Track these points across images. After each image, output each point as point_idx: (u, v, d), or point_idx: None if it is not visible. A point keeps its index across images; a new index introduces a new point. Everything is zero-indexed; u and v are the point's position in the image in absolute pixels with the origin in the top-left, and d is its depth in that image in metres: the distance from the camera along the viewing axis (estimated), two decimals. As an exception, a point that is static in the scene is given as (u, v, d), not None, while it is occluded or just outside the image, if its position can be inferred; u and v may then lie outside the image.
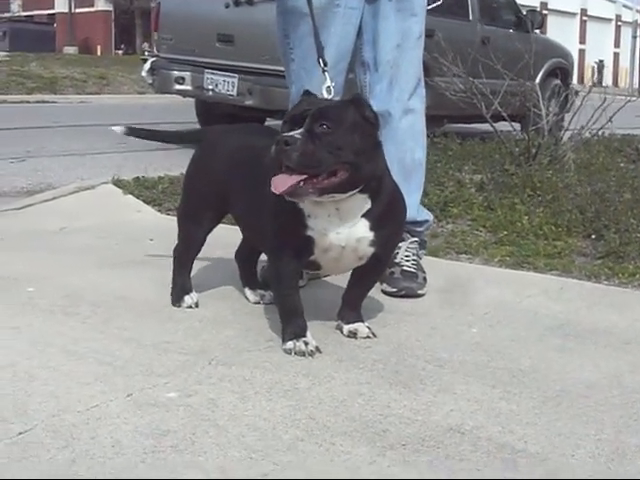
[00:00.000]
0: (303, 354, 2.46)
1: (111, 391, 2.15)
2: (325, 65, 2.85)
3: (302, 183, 2.31)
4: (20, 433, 1.91)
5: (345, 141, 2.34)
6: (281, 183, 2.31)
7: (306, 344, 2.50)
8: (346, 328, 2.70)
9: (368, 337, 2.66)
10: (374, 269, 2.68)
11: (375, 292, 3.14)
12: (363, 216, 2.48)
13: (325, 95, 2.71)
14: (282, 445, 1.89)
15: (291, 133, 2.30)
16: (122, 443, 1.87)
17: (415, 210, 3.38)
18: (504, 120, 6.61)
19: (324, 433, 1.96)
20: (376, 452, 1.88)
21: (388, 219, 2.54)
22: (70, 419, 1.99)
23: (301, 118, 2.35)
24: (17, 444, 1.86)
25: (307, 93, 2.58)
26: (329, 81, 2.75)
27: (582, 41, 51.69)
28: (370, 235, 2.50)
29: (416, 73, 3.33)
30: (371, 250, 2.54)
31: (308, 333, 2.54)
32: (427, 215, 3.51)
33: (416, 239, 3.37)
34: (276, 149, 2.29)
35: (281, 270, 2.58)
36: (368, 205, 2.47)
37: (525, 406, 2.17)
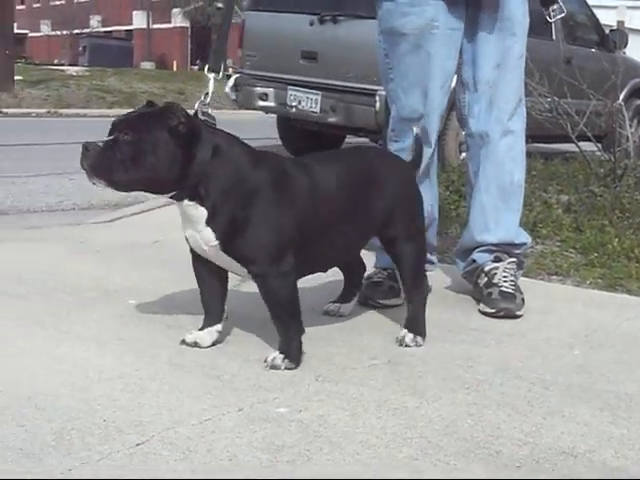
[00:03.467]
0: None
1: (222, 405, 2.18)
2: (214, 72, 2.77)
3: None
4: (138, 444, 1.94)
5: (141, 150, 2.42)
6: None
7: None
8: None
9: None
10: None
11: (473, 312, 3.15)
12: (208, 224, 2.51)
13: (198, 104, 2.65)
14: (398, 463, 1.90)
15: (100, 140, 2.44)
16: (239, 457, 1.90)
17: (514, 232, 3.38)
18: (586, 140, 6.56)
19: (437, 452, 1.96)
20: (491, 472, 1.88)
21: (238, 229, 2.50)
22: (185, 432, 2.02)
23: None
24: (136, 454, 1.90)
25: (149, 103, 2.60)
26: (211, 88, 2.69)
27: (660, 60, 50.93)
28: (216, 242, 2.52)
29: (517, 93, 3.30)
30: (229, 259, 2.56)
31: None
32: (525, 237, 3.47)
33: (514, 259, 3.34)
34: (81, 153, 2.43)
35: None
36: (204, 213, 2.50)
37: (636, 431, 2.15)
